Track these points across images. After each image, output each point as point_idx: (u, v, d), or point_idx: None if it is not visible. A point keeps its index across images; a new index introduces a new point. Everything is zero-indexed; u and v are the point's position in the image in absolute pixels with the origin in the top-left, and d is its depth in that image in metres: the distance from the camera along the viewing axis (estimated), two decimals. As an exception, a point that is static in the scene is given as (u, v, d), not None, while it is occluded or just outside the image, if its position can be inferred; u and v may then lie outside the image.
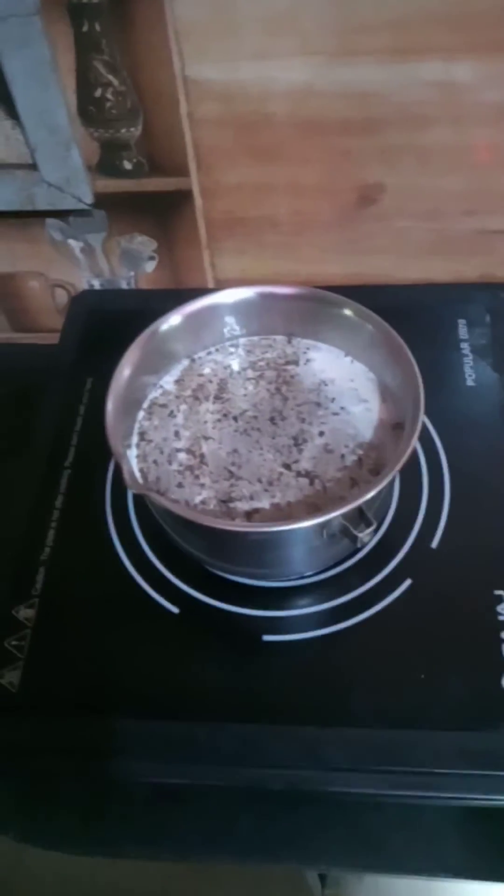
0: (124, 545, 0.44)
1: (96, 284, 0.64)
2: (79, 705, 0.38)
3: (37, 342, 0.70)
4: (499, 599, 0.40)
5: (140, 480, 0.40)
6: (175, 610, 0.41)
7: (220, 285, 0.49)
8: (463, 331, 0.54)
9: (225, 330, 0.47)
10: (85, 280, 0.64)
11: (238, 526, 0.36)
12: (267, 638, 0.40)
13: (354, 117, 0.51)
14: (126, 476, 0.36)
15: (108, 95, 0.47)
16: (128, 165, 0.53)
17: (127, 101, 0.49)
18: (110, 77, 0.46)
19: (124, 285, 0.63)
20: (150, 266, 0.61)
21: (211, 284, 0.62)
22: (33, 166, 0.52)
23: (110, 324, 0.58)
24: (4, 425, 0.59)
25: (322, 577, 0.42)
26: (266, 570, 0.41)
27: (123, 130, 0.50)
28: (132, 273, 0.62)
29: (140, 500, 0.46)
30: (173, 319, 0.44)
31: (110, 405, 0.39)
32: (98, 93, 0.47)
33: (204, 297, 0.44)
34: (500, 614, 0.39)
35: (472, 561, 0.41)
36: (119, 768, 0.37)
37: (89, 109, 0.48)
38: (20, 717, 0.37)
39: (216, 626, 0.41)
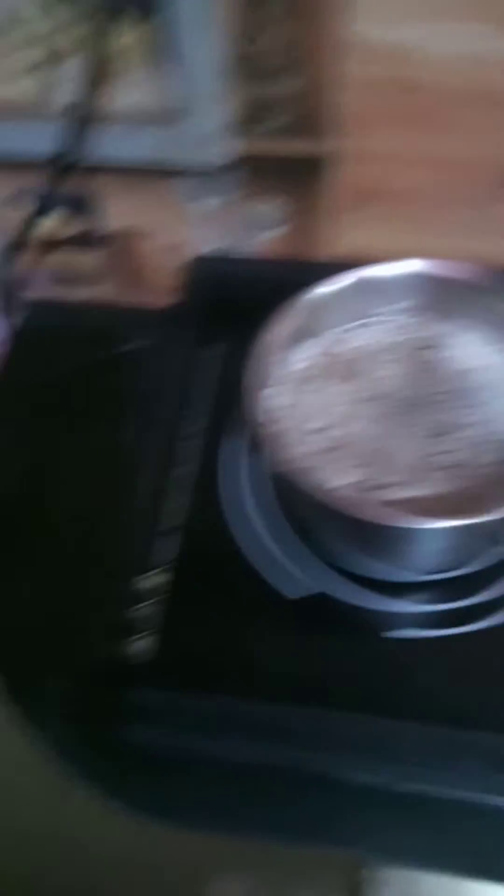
0: (239, 525, 0.43)
1: (217, 249, 0.62)
2: (206, 680, 0.37)
3: (144, 307, 0.68)
4: None
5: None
6: (295, 596, 0.40)
7: (347, 258, 0.47)
8: None
9: (369, 307, 0.45)
10: (205, 244, 0.62)
11: (392, 521, 0.34)
12: (388, 634, 0.38)
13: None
14: (270, 456, 0.35)
15: (269, 48, 0.45)
16: (274, 124, 0.50)
17: (288, 56, 0.46)
18: (274, 29, 0.44)
19: (246, 252, 0.61)
20: (275, 233, 0.59)
21: (337, 256, 0.60)
22: (174, 120, 0.50)
23: (229, 291, 0.57)
24: (110, 390, 0.58)
25: (450, 575, 0.40)
26: (393, 563, 0.39)
27: (279, 86, 0.47)
28: (256, 240, 0.60)
29: (259, 477, 0.44)
30: (320, 291, 0.42)
31: (250, 379, 0.38)
32: (259, 45, 0.45)
33: (360, 268, 0.42)
34: None
35: None
36: (247, 750, 0.36)
37: (249, 61, 0.46)
38: (149, 688, 0.37)
39: (337, 616, 0.39)
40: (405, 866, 0.42)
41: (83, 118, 0.50)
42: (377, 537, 0.37)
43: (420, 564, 0.39)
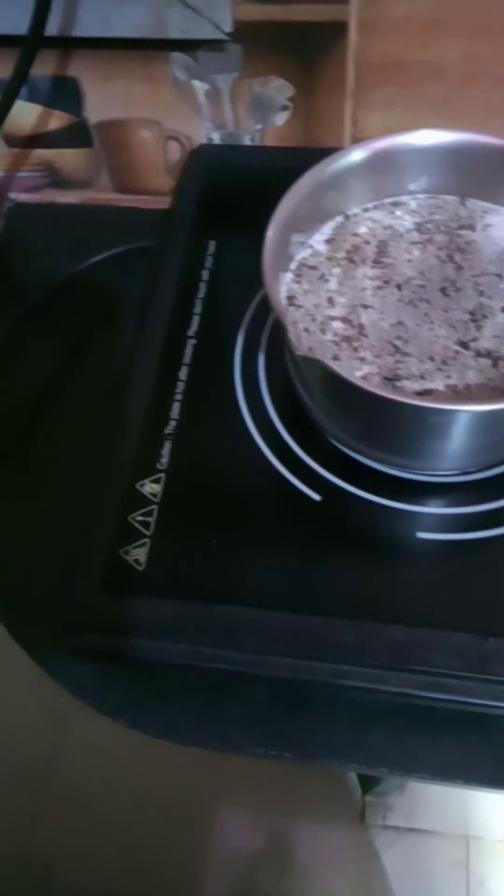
0: (257, 423, 0.40)
1: (216, 138, 0.57)
2: (207, 589, 0.35)
3: (142, 206, 0.63)
4: None
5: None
6: (317, 497, 0.37)
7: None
8: None
9: (385, 185, 0.40)
10: (204, 132, 0.57)
11: (422, 401, 0.31)
12: (422, 535, 0.35)
13: None
14: (292, 338, 0.31)
15: None
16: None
17: None
18: None
19: (248, 140, 0.56)
20: (281, 118, 0.54)
21: (349, 143, 0.54)
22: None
23: (232, 183, 0.52)
24: (109, 292, 0.54)
25: (488, 474, 0.37)
26: (426, 462, 0.36)
27: None
28: (259, 126, 0.55)
29: (275, 373, 0.41)
30: (351, 157, 0.38)
31: (267, 259, 0.34)
32: None
33: (387, 137, 0.38)
34: None
35: None
36: (254, 660, 0.33)
37: None
38: (146, 597, 0.34)
39: (365, 519, 0.36)
40: (423, 779, 0.40)
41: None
42: (409, 430, 0.34)
43: (454, 461, 0.36)
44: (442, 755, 0.37)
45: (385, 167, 0.39)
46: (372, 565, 0.35)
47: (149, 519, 0.36)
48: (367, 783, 0.92)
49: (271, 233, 0.34)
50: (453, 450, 0.35)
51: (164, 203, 0.54)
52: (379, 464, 0.37)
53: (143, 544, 0.36)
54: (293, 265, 0.39)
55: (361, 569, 0.35)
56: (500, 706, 0.33)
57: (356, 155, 0.37)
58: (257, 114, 0.54)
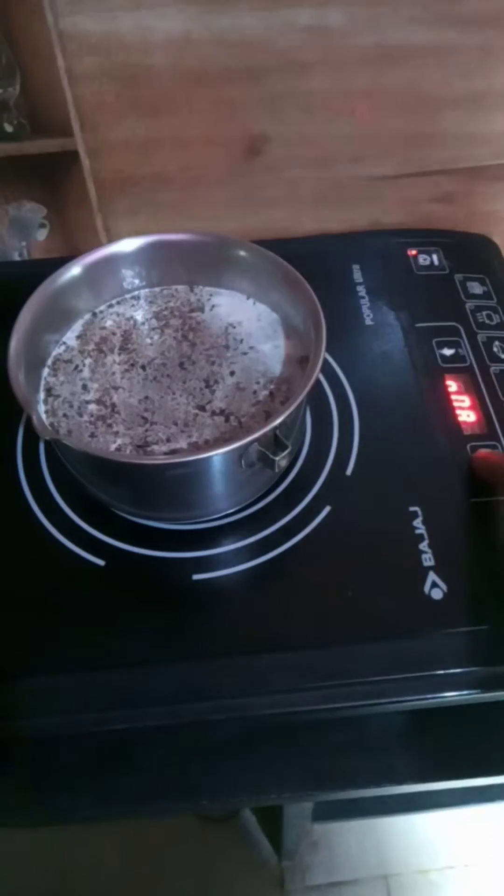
0: (39, 503, 0.43)
1: (-15, 258, 0.62)
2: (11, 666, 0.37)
3: None
4: (414, 515, 0.41)
5: (51, 433, 0.39)
6: (101, 563, 0.41)
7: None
8: (357, 275, 0.56)
9: (124, 283, 0.47)
10: (-29, 255, 0.61)
11: (156, 459, 0.36)
12: (197, 577, 0.40)
13: (235, 66, 0.51)
14: (36, 424, 0.36)
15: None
16: (8, 128, 0.51)
17: (1, 58, 0.47)
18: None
19: (16, 257, 0.62)
20: (41, 234, 0.60)
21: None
22: None
23: (5, 297, 0.57)
24: None
25: (245, 513, 0.42)
26: (189, 511, 0.41)
27: (3, 89, 0.48)
28: (24, 243, 0.61)
29: (53, 457, 0.45)
30: (71, 272, 0.43)
31: (12, 355, 0.38)
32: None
33: (99, 248, 0.44)
34: (417, 528, 0.41)
35: (385, 483, 0.43)
36: (62, 723, 0.36)
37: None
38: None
39: (146, 573, 0.40)
40: (240, 802, 0.43)
41: None
42: (161, 485, 0.39)
43: (210, 507, 0.41)
44: (256, 773, 0.41)
45: (121, 268, 0.46)
46: (156, 613, 0.39)
47: None
48: (276, 845, 0.93)
49: (14, 339, 0.39)
50: (209, 496, 0.40)
51: None
52: (154, 521, 0.42)
53: None
54: (49, 361, 0.44)
55: (147, 617, 0.39)
56: (282, 713, 0.37)
57: (74, 269, 0.43)
58: (18, 233, 0.60)
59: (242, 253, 0.44)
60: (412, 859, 1.01)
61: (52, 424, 0.40)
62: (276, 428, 0.35)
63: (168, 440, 0.39)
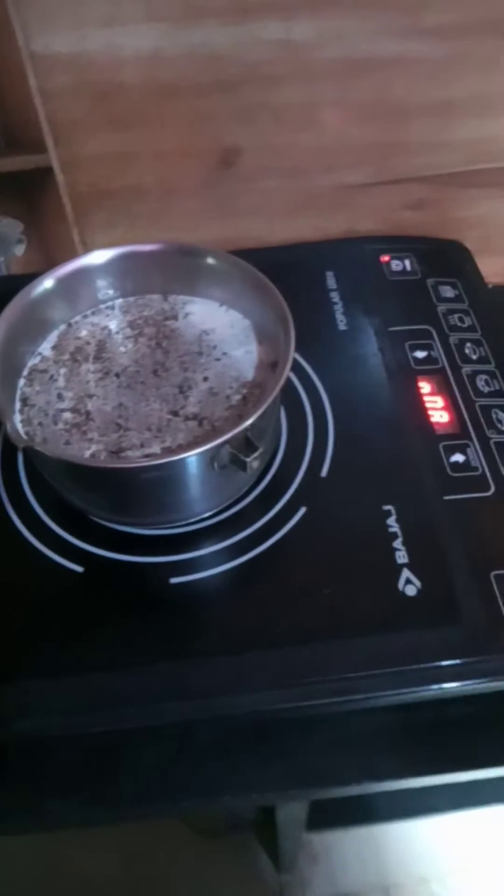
0: (18, 512, 0.44)
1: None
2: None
3: None
4: (388, 514, 0.42)
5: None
6: (79, 569, 0.41)
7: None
8: (331, 282, 0.56)
9: (99, 294, 0.47)
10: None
11: (128, 463, 0.36)
12: (174, 580, 0.40)
13: (206, 80, 0.52)
14: (10, 433, 0.36)
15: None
16: (-16, 144, 0.52)
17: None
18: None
19: (-4, 272, 0.62)
20: (19, 249, 0.61)
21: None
22: None
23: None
24: None
25: (221, 517, 0.43)
26: (165, 516, 0.42)
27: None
28: (2, 258, 0.61)
29: (31, 467, 0.45)
30: (44, 284, 0.44)
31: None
32: None
33: (72, 261, 0.45)
34: (391, 526, 0.41)
35: (360, 483, 0.43)
36: (44, 727, 0.36)
37: None
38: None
39: (124, 578, 0.41)
40: (223, 803, 0.43)
41: None
42: (135, 490, 0.39)
43: (186, 510, 0.42)
44: (240, 774, 0.41)
45: (96, 279, 0.46)
46: (135, 616, 0.40)
47: None
48: (275, 859, 0.92)
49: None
50: (184, 500, 0.41)
51: None
52: (131, 527, 0.43)
53: None
54: (25, 372, 0.44)
55: (126, 621, 0.39)
56: (263, 710, 0.38)
57: (47, 282, 0.44)
58: (-3, 248, 0.61)
59: (214, 261, 0.45)
60: (412, 867, 1.01)
61: (27, 433, 0.41)
62: (246, 430, 0.36)
63: (142, 445, 0.40)
